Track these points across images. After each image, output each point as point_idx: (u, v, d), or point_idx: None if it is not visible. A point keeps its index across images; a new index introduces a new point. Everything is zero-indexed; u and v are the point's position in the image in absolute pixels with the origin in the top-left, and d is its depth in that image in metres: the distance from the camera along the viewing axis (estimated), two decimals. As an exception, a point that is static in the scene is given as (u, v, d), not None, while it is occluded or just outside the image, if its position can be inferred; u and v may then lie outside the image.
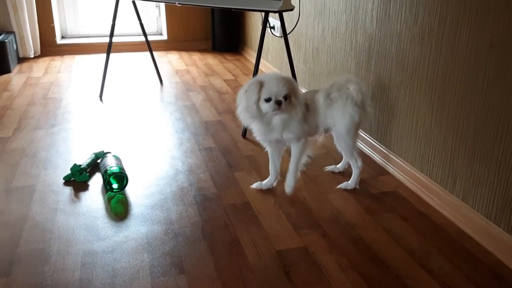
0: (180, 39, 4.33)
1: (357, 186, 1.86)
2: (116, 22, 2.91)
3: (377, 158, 2.12)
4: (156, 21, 4.47)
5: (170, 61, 3.97)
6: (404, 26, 1.85)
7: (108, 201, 1.76)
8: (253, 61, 3.90)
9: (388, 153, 2.04)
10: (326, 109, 1.75)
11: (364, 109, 1.77)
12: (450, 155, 1.67)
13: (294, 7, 2.37)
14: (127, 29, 4.35)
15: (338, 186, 1.88)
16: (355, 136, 1.79)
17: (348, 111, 1.73)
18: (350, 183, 1.86)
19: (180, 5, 2.65)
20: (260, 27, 3.64)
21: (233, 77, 3.47)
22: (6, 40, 3.41)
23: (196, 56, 4.13)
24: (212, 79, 3.43)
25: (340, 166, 2.02)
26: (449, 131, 1.66)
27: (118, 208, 1.71)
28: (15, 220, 1.62)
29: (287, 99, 1.63)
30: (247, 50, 4.11)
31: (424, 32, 1.74)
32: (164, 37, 4.35)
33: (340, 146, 1.81)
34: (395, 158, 1.99)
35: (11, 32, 3.69)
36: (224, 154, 2.18)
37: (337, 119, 1.75)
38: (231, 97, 3.01)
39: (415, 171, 1.86)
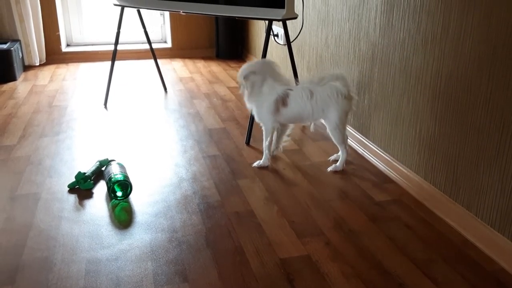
0: (184, 46, 4.36)
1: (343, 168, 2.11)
2: (120, 30, 2.93)
3: (380, 165, 2.12)
4: (161, 29, 4.50)
5: (174, 68, 3.99)
6: (407, 34, 1.86)
7: (112, 209, 1.77)
8: (257, 68, 3.91)
9: (391, 161, 2.04)
10: (310, 104, 1.99)
11: (351, 100, 2.00)
12: (454, 163, 1.67)
13: (297, 15, 2.38)
14: (132, 37, 4.38)
15: (329, 169, 2.10)
16: (345, 124, 2.03)
17: (339, 104, 1.96)
18: (338, 166, 2.10)
19: (184, 14, 2.67)
20: (264, 35, 3.66)
21: (237, 85, 3.48)
22: (12, 48, 3.44)
23: (200, 64, 4.15)
24: (216, 86, 3.44)
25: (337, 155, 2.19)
26: (453, 139, 1.66)
27: (122, 216, 1.72)
28: (20, 227, 1.63)
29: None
30: (250, 57, 4.13)
31: (427, 40, 1.75)
32: (169, 44, 4.38)
33: (334, 135, 2.03)
34: (398, 166, 1.99)
35: (16, 40, 3.72)
36: (228, 161, 2.18)
37: (329, 111, 1.98)
38: (235, 104, 3.02)
39: (419, 179, 1.86)
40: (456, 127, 1.64)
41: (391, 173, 2.04)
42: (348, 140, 2.40)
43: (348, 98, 1.97)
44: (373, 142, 2.20)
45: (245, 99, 2.09)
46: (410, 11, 1.83)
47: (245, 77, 2.02)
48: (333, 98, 1.96)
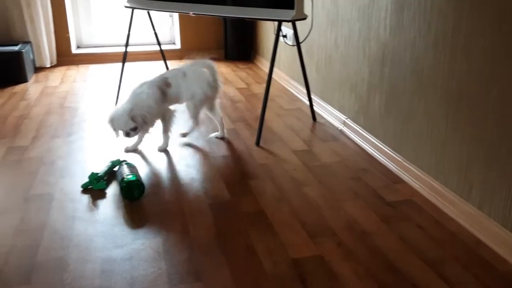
0: (193, 48, 4.38)
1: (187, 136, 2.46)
2: (130, 32, 2.95)
3: (391, 166, 2.11)
4: (170, 31, 4.52)
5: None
6: (418, 34, 1.86)
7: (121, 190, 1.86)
8: (265, 69, 3.92)
9: (402, 161, 2.04)
10: (185, 84, 2.25)
11: (216, 88, 2.31)
12: (466, 163, 1.66)
13: (307, 16, 2.38)
14: (140, 39, 4.41)
15: (180, 132, 2.46)
16: (201, 105, 2.32)
17: (202, 87, 2.26)
18: (186, 132, 2.45)
19: (194, 15, 2.68)
20: (272, 35, 3.67)
21: (245, 86, 3.50)
22: (23, 50, 3.48)
23: (209, 65, 4.16)
24: (225, 87, 3.45)
25: (219, 133, 2.48)
26: (465, 139, 1.66)
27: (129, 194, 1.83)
28: (34, 228, 1.65)
29: (136, 128, 2.13)
30: (259, 58, 4.14)
31: (438, 40, 1.75)
32: (177, 46, 4.40)
33: (188, 109, 2.33)
34: (410, 166, 1.99)
35: (27, 42, 3.76)
36: (238, 162, 2.19)
37: (195, 91, 2.26)
38: (244, 105, 3.03)
39: (431, 179, 1.86)
40: (468, 127, 1.64)
41: (402, 174, 2.04)
42: (358, 140, 2.40)
43: (213, 86, 2.28)
44: (383, 143, 2.20)
45: (146, 131, 2.23)
46: (421, 11, 1.83)
47: (133, 118, 2.09)
48: (200, 80, 2.26)
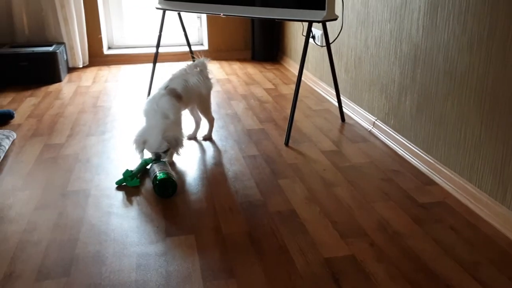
0: (220, 49, 4.42)
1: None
2: (162, 33, 3.00)
3: (423, 168, 2.10)
4: (198, 32, 4.58)
5: (211, 70, 4.05)
6: (452, 35, 1.85)
7: (154, 187, 1.90)
8: (292, 70, 3.93)
9: (435, 163, 2.02)
10: (191, 89, 2.32)
11: (210, 79, 2.46)
12: (500, 165, 1.64)
13: (338, 16, 2.39)
14: (168, 40, 4.47)
15: (201, 139, 2.51)
16: (209, 100, 2.47)
17: (206, 85, 2.40)
18: (207, 134, 2.52)
19: (224, 16, 2.72)
20: (300, 36, 3.67)
21: (273, 86, 3.51)
22: (57, 51, 3.58)
23: (236, 66, 4.20)
24: (253, 88, 3.48)
25: (193, 133, 2.55)
26: (500, 141, 1.64)
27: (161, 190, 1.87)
28: (72, 222, 1.70)
29: (168, 150, 2.08)
30: (286, 59, 4.15)
31: (472, 42, 1.73)
32: (205, 47, 4.45)
33: (205, 110, 2.45)
34: (442, 168, 1.97)
35: (61, 43, 3.87)
36: (268, 162, 2.21)
37: (201, 92, 2.37)
38: (272, 105, 3.05)
39: (464, 181, 1.84)
40: (503, 129, 1.62)
41: (433, 175, 2.02)
42: (388, 141, 2.39)
43: (208, 78, 2.43)
44: (414, 144, 2.19)
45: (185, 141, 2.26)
46: (455, 12, 1.81)
47: (167, 140, 2.04)
48: (200, 81, 2.37)
